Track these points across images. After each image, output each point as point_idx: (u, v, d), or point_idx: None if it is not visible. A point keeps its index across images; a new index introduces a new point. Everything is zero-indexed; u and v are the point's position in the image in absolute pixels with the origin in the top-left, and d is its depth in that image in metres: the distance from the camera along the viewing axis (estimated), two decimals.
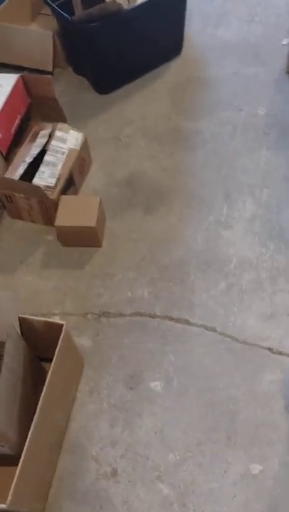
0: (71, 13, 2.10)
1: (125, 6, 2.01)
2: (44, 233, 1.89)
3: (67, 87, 2.33)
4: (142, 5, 2.04)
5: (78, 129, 2.00)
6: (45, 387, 1.28)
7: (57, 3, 2.12)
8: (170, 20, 2.24)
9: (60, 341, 1.34)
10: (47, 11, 2.58)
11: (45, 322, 1.39)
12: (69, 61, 2.36)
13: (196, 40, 2.47)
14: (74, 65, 2.36)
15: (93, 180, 2.02)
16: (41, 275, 1.80)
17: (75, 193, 1.95)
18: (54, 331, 1.39)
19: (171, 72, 2.36)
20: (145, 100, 2.26)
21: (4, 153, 1.90)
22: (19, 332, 1.37)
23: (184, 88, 2.29)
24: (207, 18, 2.58)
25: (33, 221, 1.90)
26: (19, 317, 1.37)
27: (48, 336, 1.41)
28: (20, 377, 1.34)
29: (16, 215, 1.91)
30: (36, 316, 1.67)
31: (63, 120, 2.13)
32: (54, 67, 2.36)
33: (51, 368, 1.30)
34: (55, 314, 1.70)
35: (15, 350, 1.30)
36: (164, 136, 2.13)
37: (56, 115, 2.12)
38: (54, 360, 1.32)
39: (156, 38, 2.22)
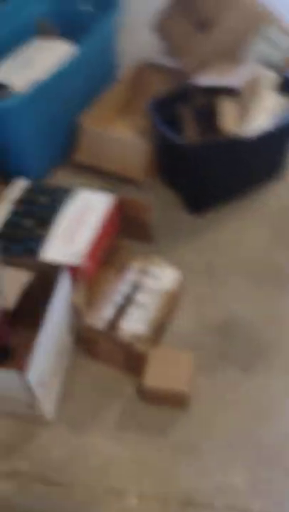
0: (171, 125, 1.92)
1: (239, 132, 1.81)
2: (123, 382, 1.63)
3: (155, 201, 2.10)
4: (257, 136, 1.84)
5: (164, 252, 1.79)
6: None
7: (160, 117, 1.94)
8: (278, 145, 2.05)
9: None
10: (132, 110, 2.42)
11: None
12: (161, 174, 2.16)
13: None
14: (166, 179, 2.15)
15: (181, 320, 1.76)
16: (116, 438, 1.53)
17: (161, 336, 1.70)
18: None
19: (271, 196, 2.12)
20: (242, 227, 2.02)
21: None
22: None
23: (287, 217, 2.05)
24: None
25: (112, 366, 1.65)
26: None
27: None
28: None
29: (94, 354, 1.66)
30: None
31: (148, 241, 1.92)
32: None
33: None
34: (130, 494, 1.42)
35: None
36: (264, 274, 1.88)
37: (142, 235, 1.91)
38: None
39: (262, 162, 2.02)
